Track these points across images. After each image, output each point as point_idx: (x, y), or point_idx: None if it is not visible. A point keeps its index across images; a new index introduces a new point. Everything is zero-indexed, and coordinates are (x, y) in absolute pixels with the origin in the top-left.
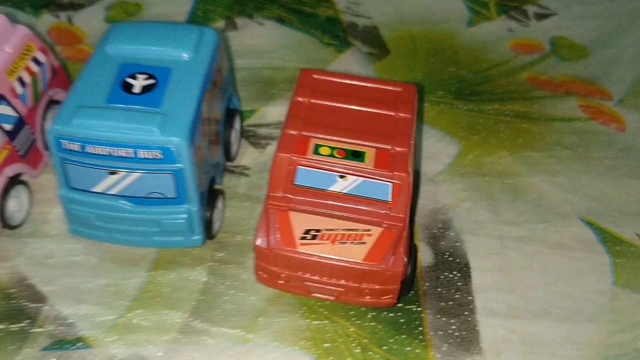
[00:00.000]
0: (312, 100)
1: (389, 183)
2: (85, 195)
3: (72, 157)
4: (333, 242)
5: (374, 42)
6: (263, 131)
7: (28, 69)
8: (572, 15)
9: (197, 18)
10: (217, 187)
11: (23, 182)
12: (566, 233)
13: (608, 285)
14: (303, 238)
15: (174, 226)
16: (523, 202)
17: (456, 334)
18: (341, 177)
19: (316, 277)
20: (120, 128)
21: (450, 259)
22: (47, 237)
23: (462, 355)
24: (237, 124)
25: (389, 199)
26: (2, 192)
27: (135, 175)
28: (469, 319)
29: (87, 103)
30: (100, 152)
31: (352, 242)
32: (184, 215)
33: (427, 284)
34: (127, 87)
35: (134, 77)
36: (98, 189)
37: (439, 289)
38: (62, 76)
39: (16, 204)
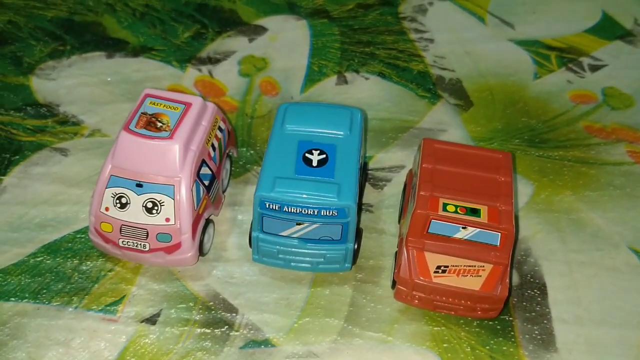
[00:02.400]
0: (436, 166)
1: (498, 233)
2: (275, 237)
3: (270, 213)
4: (458, 275)
5: (459, 94)
6: (379, 174)
7: (216, 137)
8: (620, 65)
9: (313, 72)
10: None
11: (211, 220)
12: (618, 259)
13: None
14: (436, 272)
15: (335, 258)
16: (584, 234)
17: (538, 337)
18: (464, 228)
19: (444, 299)
20: (310, 195)
21: (532, 280)
22: (228, 262)
23: (543, 353)
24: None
25: (498, 244)
26: (202, 231)
27: (315, 226)
28: (547, 325)
29: (281, 174)
30: (294, 211)
31: (471, 275)
32: (343, 251)
33: (515, 299)
34: (307, 161)
35: (310, 153)
36: (285, 233)
37: (524, 303)
38: (233, 136)
39: (206, 237)
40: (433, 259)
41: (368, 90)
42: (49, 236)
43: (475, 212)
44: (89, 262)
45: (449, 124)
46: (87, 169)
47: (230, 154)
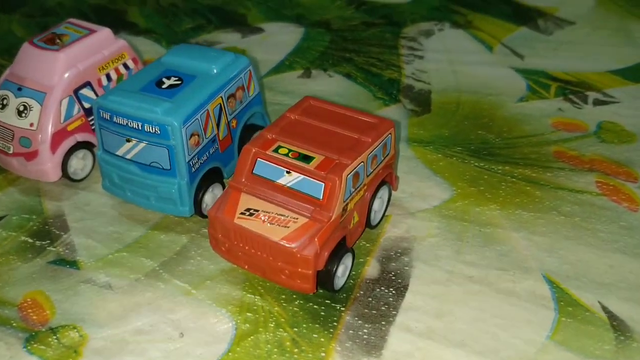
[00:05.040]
0: (297, 117)
1: (322, 183)
2: (112, 158)
3: (105, 124)
4: (263, 221)
5: (421, 102)
6: None
7: (117, 70)
8: (636, 106)
9: (283, 66)
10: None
11: (90, 151)
12: (520, 284)
13: (541, 338)
14: (242, 214)
15: (166, 194)
16: (490, 250)
17: (365, 337)
18: (287, 172)
19: (246, 248)
20: (136, 107)
21: (393, 278)
22: (92, 192)
23: (360, 355)
24: None
25: (321, 197)
26: (68, 149)
27: (142, 145)
28: (383, 328)
29: (126, 89)
30: (121, 122)
31: (278, 225)
32: (175, 186)
33: (361, 293)
34: (159, 84)
35: (168, 78)
36: (119, 152)
37: (370, 299)
38: None
39: (80, 164)
40: (246, 201)
41: (325, 86)
42: None
43: (307, 158)
44: None
45: None
46: None
47: None
